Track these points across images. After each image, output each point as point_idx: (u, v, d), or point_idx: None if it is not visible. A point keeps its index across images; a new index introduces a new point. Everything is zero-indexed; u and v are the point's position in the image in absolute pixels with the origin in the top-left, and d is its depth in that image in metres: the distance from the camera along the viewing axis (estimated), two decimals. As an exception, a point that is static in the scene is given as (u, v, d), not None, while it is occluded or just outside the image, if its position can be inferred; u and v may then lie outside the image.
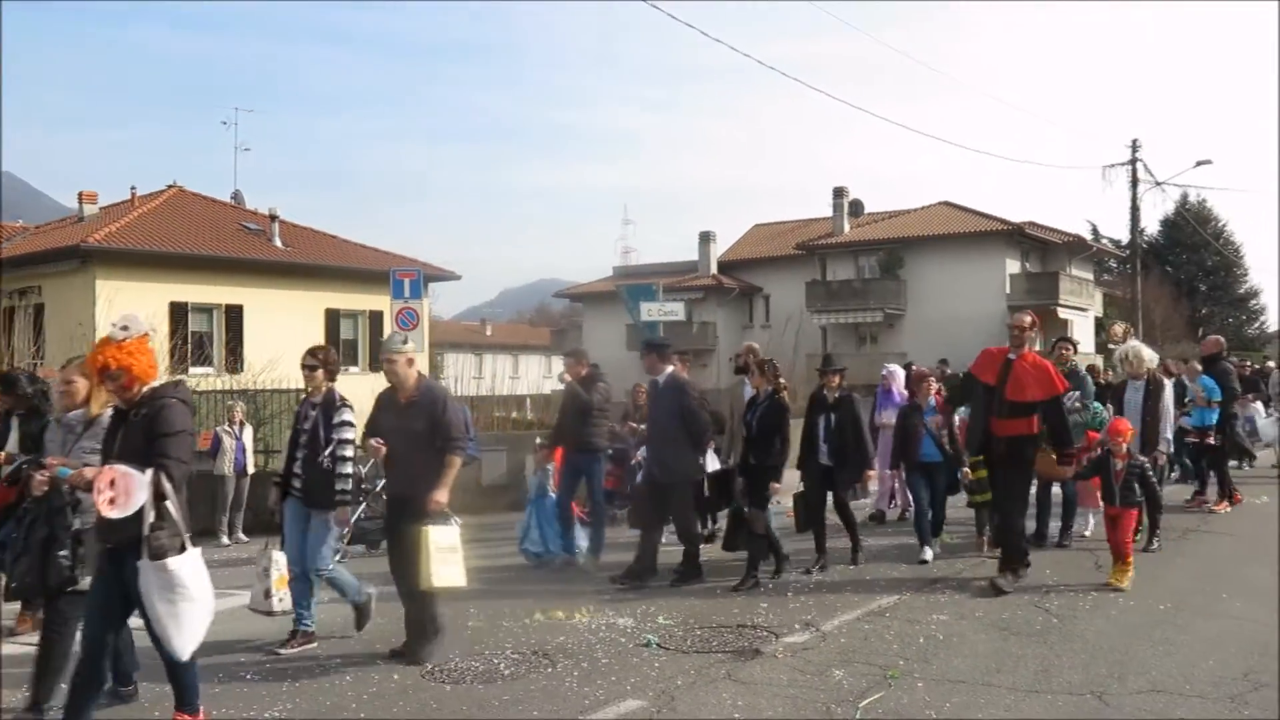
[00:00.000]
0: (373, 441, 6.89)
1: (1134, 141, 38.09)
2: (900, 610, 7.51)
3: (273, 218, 29.00)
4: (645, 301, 16.62)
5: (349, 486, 7.04)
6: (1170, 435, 10.12)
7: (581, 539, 10.09)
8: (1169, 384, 10.42)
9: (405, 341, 6.90)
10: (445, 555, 6.42)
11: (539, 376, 57.74)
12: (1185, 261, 59.75)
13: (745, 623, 7.22)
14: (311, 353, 7.34)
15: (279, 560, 6.99)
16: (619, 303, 22.32)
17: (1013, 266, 43.64)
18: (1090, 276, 49.23)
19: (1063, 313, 43.50)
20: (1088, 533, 10.19)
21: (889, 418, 11.64)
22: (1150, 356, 10.30)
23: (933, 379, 10.69)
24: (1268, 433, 15.65)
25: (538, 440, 11.56)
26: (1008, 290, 42.64)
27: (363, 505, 11.06)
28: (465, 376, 27.26)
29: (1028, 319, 8.46)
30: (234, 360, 24.02)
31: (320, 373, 7.16)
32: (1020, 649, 6.40)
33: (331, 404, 7.05)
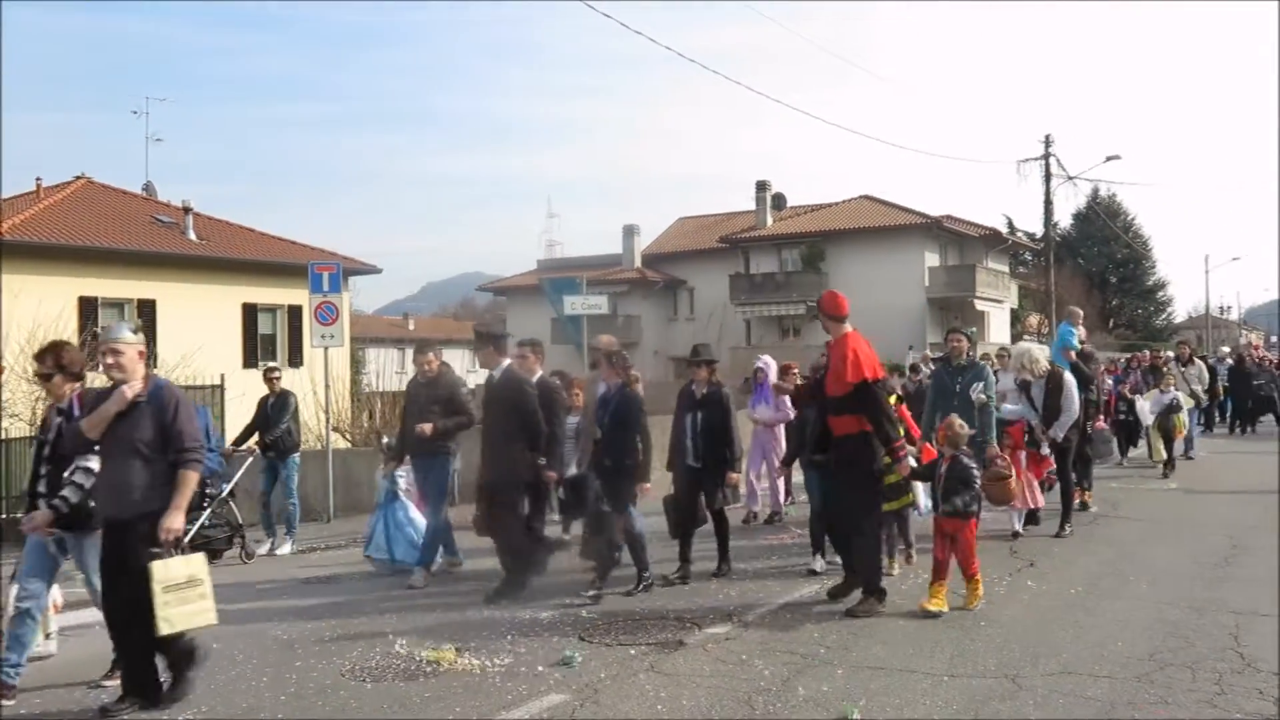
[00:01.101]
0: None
1: (1047, 137, 39.10)
2: (821, 600, 7.59)
3: (186, 210, 28.35)
4: (569, 295, 16.67)
5: (75, 499, 5.89)
6: (1066, 422, 9.92)
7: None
8: (1071, 378, 10.17)
9: (136, 331, 5.93)
10: (179, 593, 5.37)
11: (463, 371, 57.19)
12: (1096, 254, 61.51)
13: (667, 615, 7.23)
14: (39, 357, 6.29)
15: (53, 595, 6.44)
16: (544, 296, 22.29)
17: (931, 259, 44.46)
18: (1006, 269, 50.38)
19: (980, 304, 44.50)
20: (1019, 527, 9.90)
21: (763, 414, 11.34)
22: (1043, 354, 10.18)
23: (795, 368, 10.18)
24: (1144, 416, 15.35)
25: (384, 441, 10.83)
26: (926, 283, 43.45)
27: (207, 511, 10.62)
28: (388, 372, 26.97)
29: (828, 297, 7.47)
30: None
31: (58, 379, 6.13)
32: (937, 635, 6.51)
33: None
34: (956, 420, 7.47)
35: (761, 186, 48.84)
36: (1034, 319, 18.41)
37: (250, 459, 11.69)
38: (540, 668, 6.02)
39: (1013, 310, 50.21)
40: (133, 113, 37.31)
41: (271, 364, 12.46)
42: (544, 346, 8.91)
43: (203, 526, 10.52)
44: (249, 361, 25.26)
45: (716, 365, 8.78)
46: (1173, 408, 14.98)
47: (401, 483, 9.47)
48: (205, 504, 10.56)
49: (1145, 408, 15.37)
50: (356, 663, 6.30)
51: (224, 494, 10.93)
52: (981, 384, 9.25)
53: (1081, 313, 13.21)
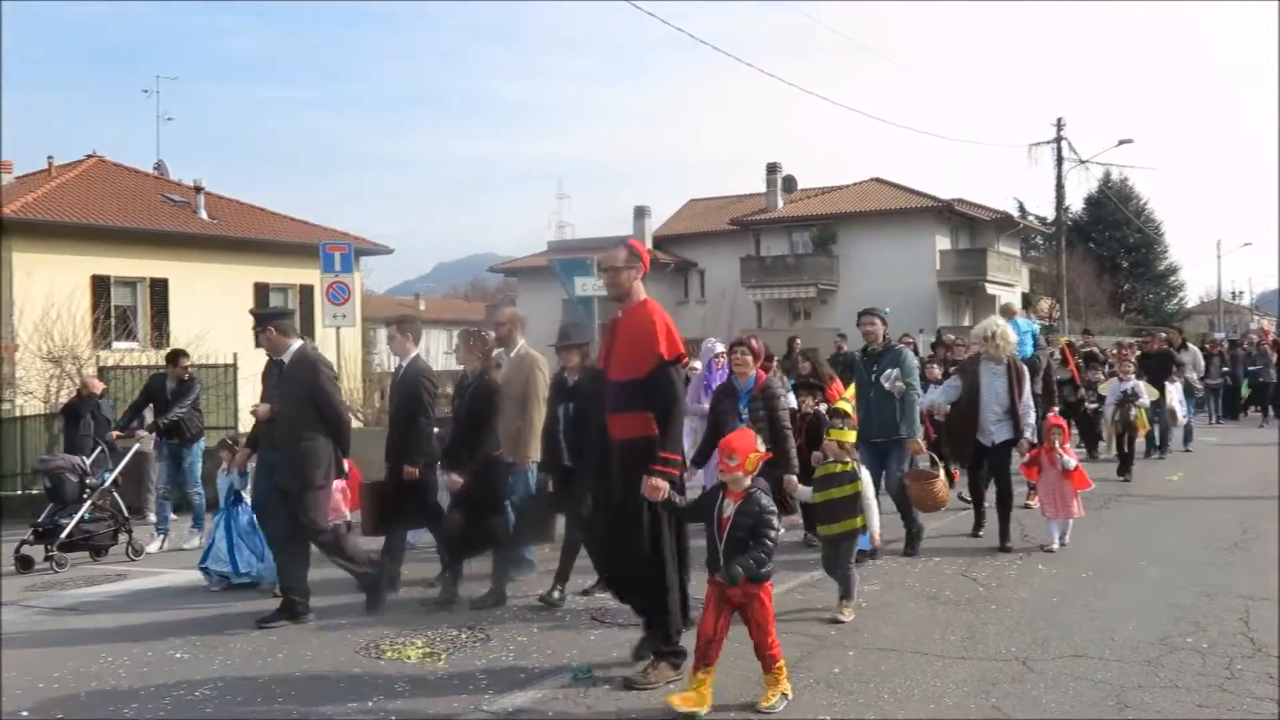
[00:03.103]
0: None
1: (1059, 120, 38.88)
2: (831, 582, 7.61)
3: (198, 189, 28.39)
4: (579, 276, 16.63)
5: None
6: (1033, 421, 8.77)
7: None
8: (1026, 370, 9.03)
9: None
10: None
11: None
12: (1108, 238, 61.20)
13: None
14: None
15: None
16: (554, 277, 22.28)
17: (943, 243, 44.32)
18: (1017, 253, 50.21)
19: (990, 288, 44.35)
20: (1055, 546, 8.52)
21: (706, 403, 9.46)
22: (1014, 339, 8.93)
23: (745, 346, 7.78)
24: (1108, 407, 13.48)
25: (228, 438, 9.61)
26: (938, 266, 43.33)
27: (86, 504, 9.96)
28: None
29: (622, 255, 5.51)
30: (159, 335, 23.51)
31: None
32: (948, 617, 6.54)
33: None
34: (752, 439, 5.23)
35: (772, 169, 48.67)
36: (1045, 303, 17.96)
37: (136, 445, 11.00)
38: (554, 645, 6.07)
39: (1024, 294, 50.01)
40: (143, 91, 37.34)
41: (182, 349, 11.65)
42: (418, 324, 7.99)
43: (83, 520, 9.91)
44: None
45: (589, 347, 7.34)
46: (1130, 398, 13.05)
47: (242, 482, 8.34)
48: (85, 495, 9.98)
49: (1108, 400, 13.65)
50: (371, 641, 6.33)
51: (106, 484, 10.23)
52: (897, 370, 8.31)
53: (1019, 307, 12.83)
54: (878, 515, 6.61)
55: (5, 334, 21.34)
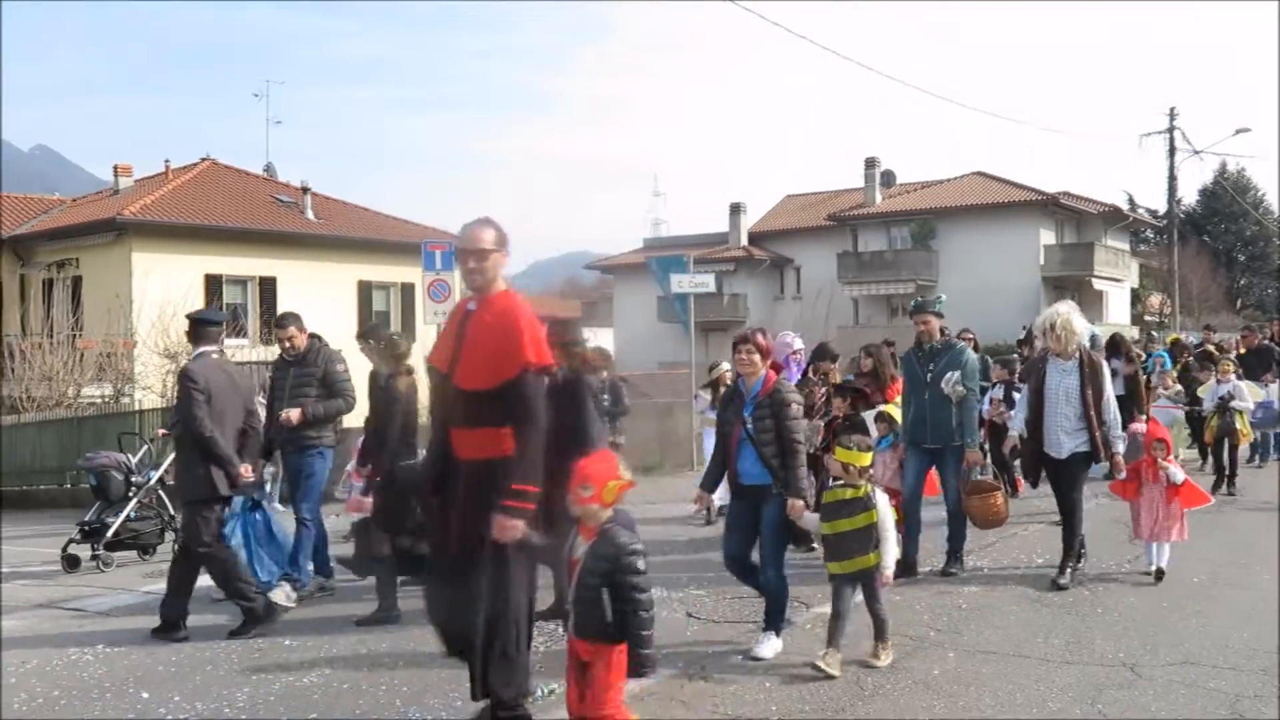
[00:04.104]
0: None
1: (1171, 109, 37.75)
2: (931, 581, 7.52)
3: (305, 190, 29.20)
4: (676, 273, 16.63)
5: None
6: (1119, 431, 7.49)
7: None
8: (1106, 365, 7.92)
9: None
10: None
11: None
12: (1223, 231, 58.92)
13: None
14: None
15: None
16: (650, 275, 22.33)
17: (1047, 237, 43.20)
18: (1126, 247, 48.64)
19: (1098, 284, 43.08)
20: (1164, 564, 7.46)
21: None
22: (1083, 328, 7.71)
23: (750, 343, 5.98)
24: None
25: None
26: (1042, 261, 42.25)
27: (133, 501, 9.77)
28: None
29: (490, 235, 4.64)
30: (268, 332, 24.24)
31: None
32: (1052, 620, 6.40)
33: None
34: (612, 462, 4.21)
35: (870, 163, 47.99)
36: (1155, 299, 17.03)
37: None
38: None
39: (1133, 290, 48.50)
40: (254, 96, 38.53)
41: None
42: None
43: (129, 519, 9.76)
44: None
45: (580, 348, 6.99)
46: (1227, 403, 11.68)
47: (267, 485, 7.98)
48: (131, 493, 9.79)
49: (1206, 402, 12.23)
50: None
51: (151, 481, 10.01)
52: (958, 373, 7.61)
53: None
54: (895, 550, 5.71)
55: (125, 331, 22.28)
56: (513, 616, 4.42)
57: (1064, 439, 7.33)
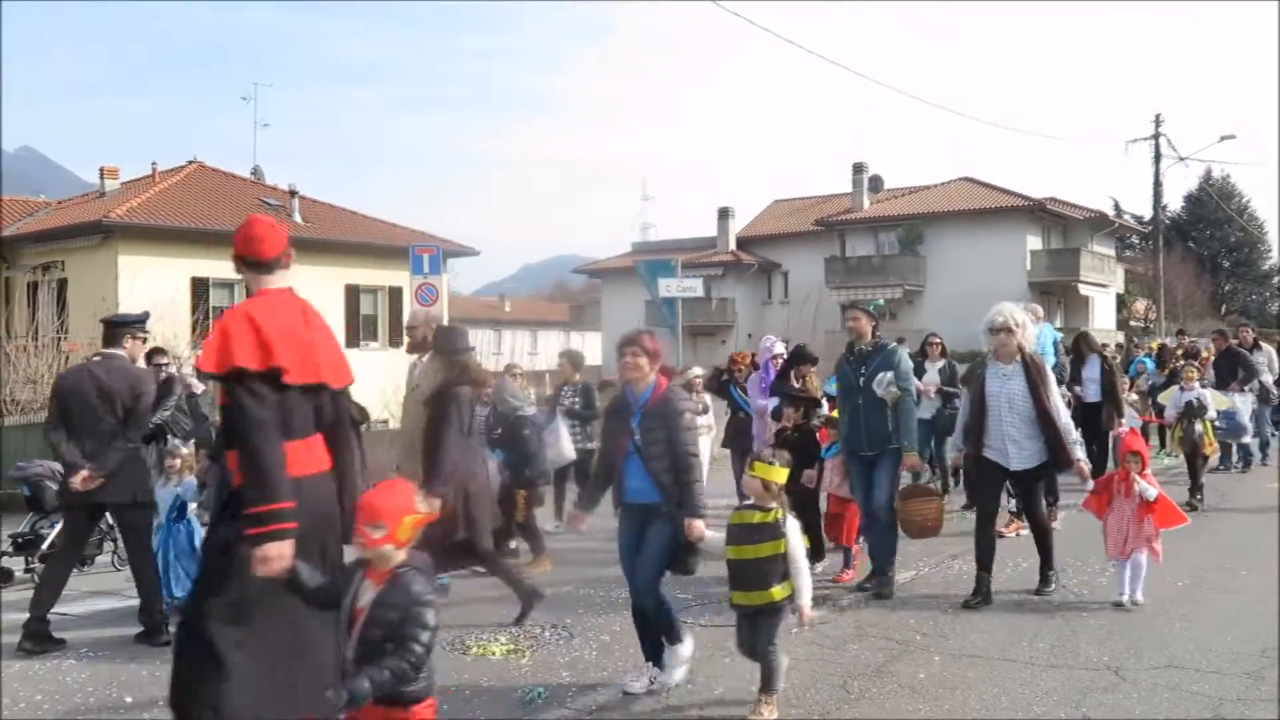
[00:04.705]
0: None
1: (1157, 116, 38.00)
2: (917, 585, 7.54)
3: (292, 193, 29.14)
4: (664, 278, 16.69)
5: None
6: (1076, 435, 7.10)
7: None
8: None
9: None
10: None
11: (557, 352, 57.86)
12: (1208, 238, 59.35)
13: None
14: None
15: None
16: (638, 279, 22.39)
17: (1034, 242, 43.42)
18: (1112, 253, 48.93)
19: (1084, 289, 43.33)
20: (1139, 598, 6.83)
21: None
22: (1031, 329, 7.24)
23: (636, 346, 5.34)
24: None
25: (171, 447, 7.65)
26: (1028, 266, 42.46)
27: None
28: (484, 352, 27.43)
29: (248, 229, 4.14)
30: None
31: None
32: (1037, 625, 6.42)
33: None
34: (407, 494, 3.67)
35: (858, 168, 48.16)
36: (1141, 304, 17.00)
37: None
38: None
39: (1119, 295, 48.77)
40: (242, 99, 38.29)
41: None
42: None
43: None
44: (351, 341, 25.96)
45: (462, 358, 6.71)
46: (1194, 411, 11.05)
47: (191, 494, 7.38)
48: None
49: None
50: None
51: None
52: (890, 373, 7.20)
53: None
54: (809, 584, 5.01)
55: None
56: (218, 676, 3.61)
57: (1012, 449, 6.89)
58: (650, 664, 5.37)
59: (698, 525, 5.10)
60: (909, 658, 5.76)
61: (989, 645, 5.99)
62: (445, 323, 7.02)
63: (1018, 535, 8.85)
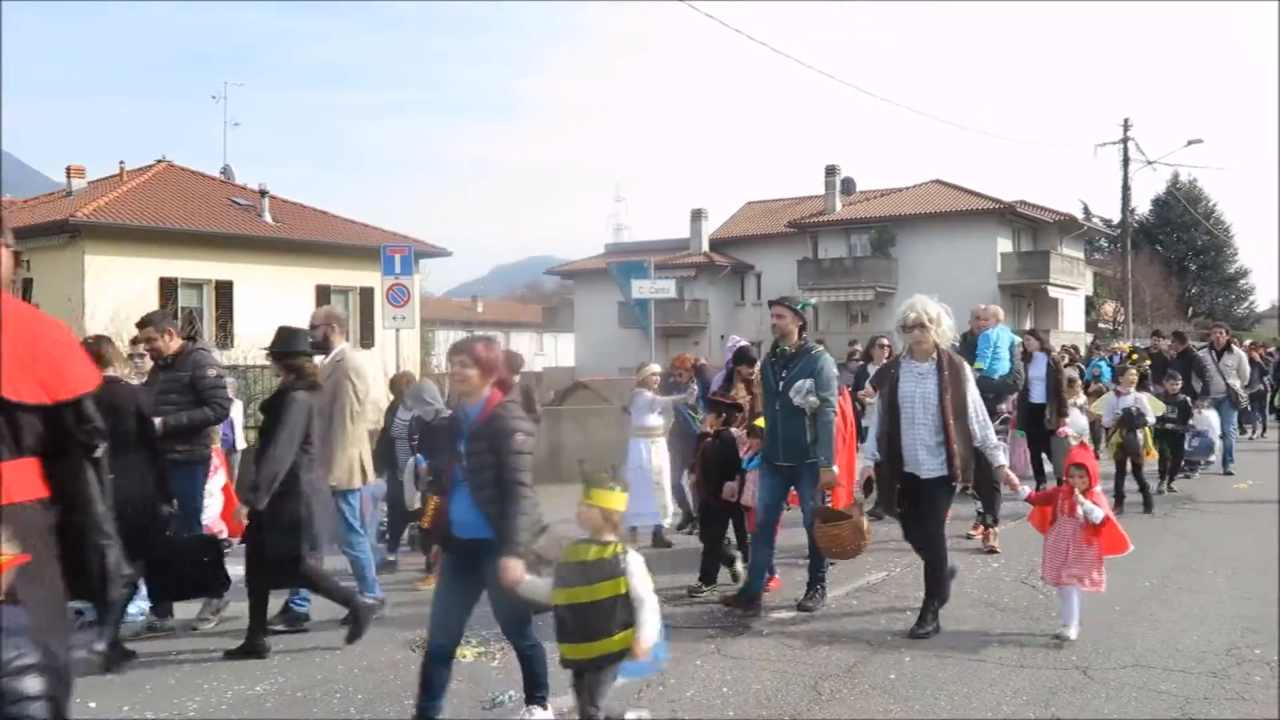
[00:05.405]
0: None
1: (1125, 120, 38.30)
2: (888, 587, 7.57)
3: (262, 193, 28.92)
4: (636, 279, 16.67)
5: None
6: (996, 441, 6.41)
7: None
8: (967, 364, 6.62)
9: None
10: None
11: (531, 354, 57.75)
12: (1175, 241, 60.03)
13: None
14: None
15: None
16: (611, 280, 22.36)
17: (1004, 245, 43.76)
18: (1081, 255, 49.40)
19: (1053, 292, 43.72)
20: (1072, 633, 6.05)
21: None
22: (948, 324, 6.36)
23: (466, 354, 4.64)
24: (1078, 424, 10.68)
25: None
26: (999, 269, 42.79)
27: None
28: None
29: None
30: (224, 336, 23.97)
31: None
32: (1006, 625, 6.46)
33: None
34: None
35: (831, 171, 48.36)
36: (1109, 307, 17.05)
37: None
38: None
39: (1088, 298, 49.25)
40: (212, 98, 38.14)
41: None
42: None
43: None
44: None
45: (300, 362, 6.30)
46: (1133, 419, 10.50)
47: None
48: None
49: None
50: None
51: None
52: (810, 381, 6.58)
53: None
54: (655, 625, 4.17)
55: (78, 334, 21.89)
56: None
57: (923, 456, 6.20)
58: (535, 706, 4.75)
59: (514, 566, 4.29)
60: (880, 658, 5.77)
61: (959, 645, 6.00)
62: (293, 326, 6.58)
63: (984, 542, 8.81)
